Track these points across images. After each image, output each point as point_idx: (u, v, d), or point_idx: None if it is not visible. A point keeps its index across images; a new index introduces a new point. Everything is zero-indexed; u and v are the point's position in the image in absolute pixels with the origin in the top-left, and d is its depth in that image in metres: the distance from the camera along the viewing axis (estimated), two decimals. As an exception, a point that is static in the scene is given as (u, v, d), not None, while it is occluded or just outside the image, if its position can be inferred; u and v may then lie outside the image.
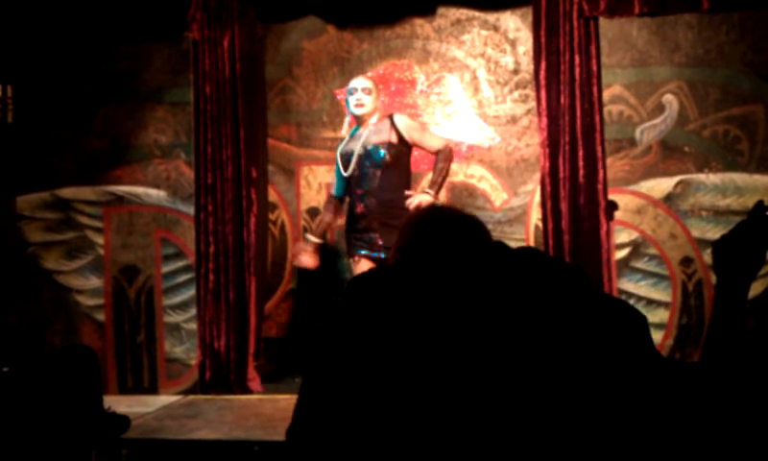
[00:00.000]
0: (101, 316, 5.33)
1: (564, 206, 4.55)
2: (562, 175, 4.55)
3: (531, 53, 4.75)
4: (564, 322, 1.25)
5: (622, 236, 4.81)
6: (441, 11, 5.11)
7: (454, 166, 5.02)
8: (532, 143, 4.90)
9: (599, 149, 4.54)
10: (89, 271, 5.36)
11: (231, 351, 4.93)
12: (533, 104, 4.79)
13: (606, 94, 4.70)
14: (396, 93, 5.10)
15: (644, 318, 1.32)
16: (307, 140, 5.21)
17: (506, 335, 1.24)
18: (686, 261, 4.77)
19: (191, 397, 4.94)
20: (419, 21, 5.13)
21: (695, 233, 4.75)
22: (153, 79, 5.30)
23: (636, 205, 4.82)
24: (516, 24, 5.01)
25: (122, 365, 5.28)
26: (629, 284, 4.81)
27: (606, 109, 4.69)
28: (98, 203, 5.35)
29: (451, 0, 5.10)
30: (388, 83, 5.10)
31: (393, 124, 4.15)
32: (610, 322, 1.27)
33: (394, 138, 4.11)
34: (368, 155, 4.11)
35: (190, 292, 5.16)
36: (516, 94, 5.02)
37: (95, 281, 5.35)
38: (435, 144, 4.18)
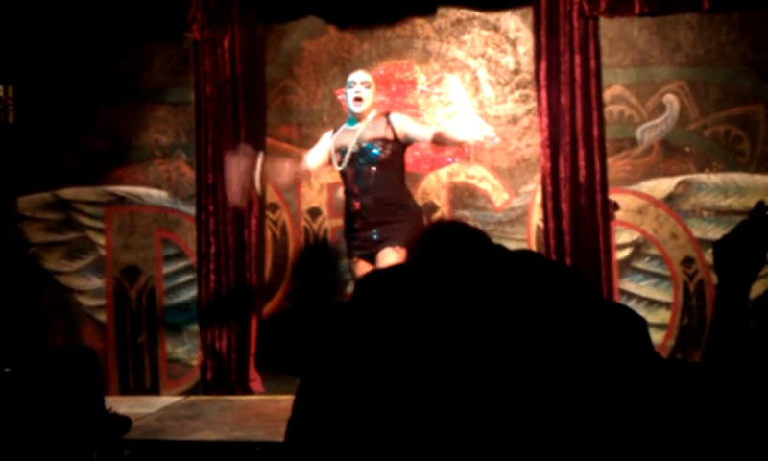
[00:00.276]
0: (102, 317, 5.34)
1: (564, 207, 4.55)
2: (562, 175, 4.55)
3: (531, 53, 4.75)
4: (565, 326, 1.25)
5: (623, 237, 4.81)
6: (441, 11, 5.11)
7: (455, 166, 5.03)
8: (533, 143, 4.90)
9: (600, 149, 4.54)
10: (90, 271, 5.36)
11: (233, 352, 4.93)
12: (533, 104, 4.79)
13: (606, 94, 4.70)
14: (397, 93, 5.10)
15: (644, 321, 1.32)
16: (308, 140, 5.20)
17: (508, 341, 1.24)
18: (688, 262, 4.76)
19: (192, 397, 4.95)
20: (419, 21, 5.13)
21: (696, 234, 4.74)
22: (153, 79, 5.30)
23: (637, 205, 4.82)
24: (516, 24, 5.01)
25: (123, 366, 5.28)
26: (630, 285, 4.81)
27: (606, 110, 4.70)
28: (99, 203, 5.35)
29: (452, 0, 5.10)
30: (388, 83, 5.10)
31: (389, 122, 4.14)
32: (609, 325, 1.27)
33: (389, 136, 4.10)
34: (362, 152, 4.10)
35: (191, 293, 5.16)
36: (516, 94, 5.02)
37: (96, 282, 5.35)
38: (427, 133, 4.13)
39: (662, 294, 4.78)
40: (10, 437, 2.96)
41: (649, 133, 4.81)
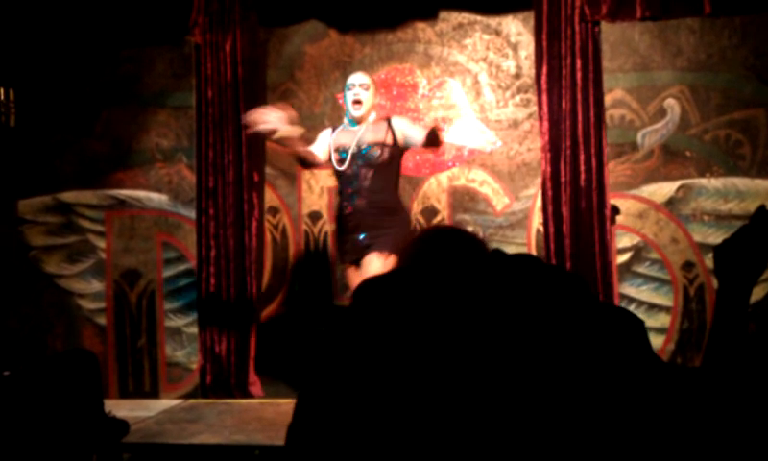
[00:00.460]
0: (102, 320, 5.34)
1: (565, 211, 4.55)
2: (563, 179, 4.55)
3: (533, 57, 4.75)
4: (563, 329, 1.25)
5: (624, 241, 4.81)
6: (443, 15, 5.11)
7: (455, 170, 5.03)
8: (533, 147, 4.90)
9: (600, 153, 4.54)
10: (91, 275, 5.36)
11: (232, 355, 4.93)
12: (534, 108, 4.79)
13: (607, 98, 4.70)
14: (398, 97, 5.10)
15: (642, 323, 1.32)
16: (309, 144, 5.20)
17: (507, 346, 1.24)
18: (688, 266, 4.76)
19: (192, 401, 4.94)
20: (420, 25, 5.13)
21: (697, 238, 4.74)
22: (155, 83, 5.30)
23: (637, 209, 4.81)
24: (517, 28, 5.02)
25: (123, 369, 5.28)
26: (630, 289, 4.80)
27: (607, 114, 4.70)
28: (99, 206, 5.36)
29: (453, 4, 5.10)
30: (390, 87, 5.11)
31: (390, 126, 4.14)
32: (608, 328, 1.27)
33: (389, 140, 4.10)
34: (361, 154, 4.10)
35: (191, 296, 5.16)
36: (517, 98, 5.02)
37: (96, 285, 5.35)
38: (420, 135, 4.11)
39: (663, 298, 4.78)
40: (9, 440, 2.96)
41: (650, 137, 4.81)
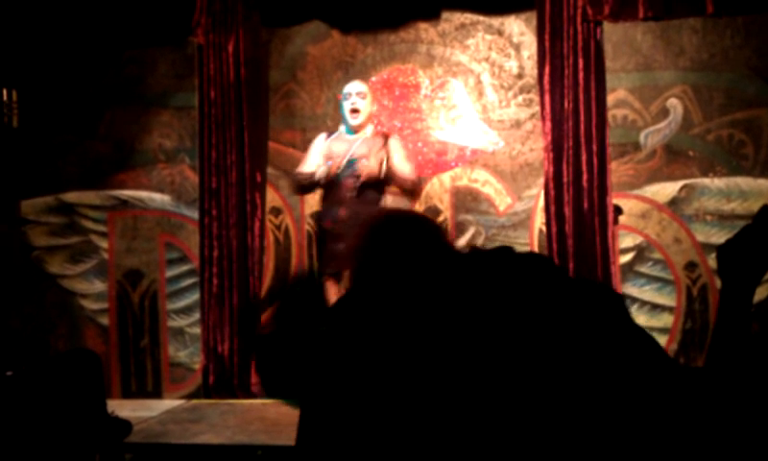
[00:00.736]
0: (105, 320, 5.34)
1: (567, 211, 4.54)
2: (566, 179, 4.55)
3: (535, 57, 4.74)
4: (539, 316, 1.24)
5: (626, 241, 4.80)
6: (445, 15, 5.11)
7: (458, 170, 5.03)
8: (536, 147, 4.90)
9: (603, 153, 4.54)
10: (93, 275, 5.37)
11: (235, 356, 4.93)
12: (537, 108, 4.79)
13: (610, 98, 4.69)
14: (401, 98, 5.10)
15: (620, 297, 1.32)
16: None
17: (489, 340, 1.23)
18: (691, 266, 4.76)
19: (194, 401, 4.94)
20: (423, 26, 5.13)
21: (700, 238, 4.73)
22: (158, 83, 5.31)
23: (640, 209, 4.81)
24: (520, 28, 5.01)
25: (126, 369, 5.28)
26: (633, 289, 4.80)
27: (610, 114, 4.69)
28: (102, 207, 5.37)
29: (456, 4, 5.09)
30: (392, 87, 5.10)
31: (386, 144, 4.14)
32: (582, 305, 1.26)
33: (382, 156, 4.11)
34: (350, 164, 4.09)
35: (194, 296, 5.17)
36: (520, 98, 5.02)
37: (99, 286, 5.36)
38: (405, 172, 4.17)
39: (665, 298, 4.77)
40: (13, 440, 2.96)
41: (652, 137, 4.80)
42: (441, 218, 5.04)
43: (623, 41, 4.82)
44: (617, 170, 4.76)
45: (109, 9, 5.10)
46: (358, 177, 4.08)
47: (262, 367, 5.01)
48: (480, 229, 5.01)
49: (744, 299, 1.34)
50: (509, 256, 1.35)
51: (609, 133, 4.59)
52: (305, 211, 5.20)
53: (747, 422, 1.26)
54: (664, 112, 4.80)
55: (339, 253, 4.03)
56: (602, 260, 4.49)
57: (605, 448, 1.18)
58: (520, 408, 1.19)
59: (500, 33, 5.05)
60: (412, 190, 4.25)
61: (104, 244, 5.37)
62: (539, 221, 4.92)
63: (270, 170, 5.16)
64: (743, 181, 4.70)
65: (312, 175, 4.24)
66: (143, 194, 5.32)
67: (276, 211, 5.23)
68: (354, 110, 4.15)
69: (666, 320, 4.76)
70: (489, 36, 5.06)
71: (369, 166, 4.08)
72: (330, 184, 4.11)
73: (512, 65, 5.03)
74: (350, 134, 4.20)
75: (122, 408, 4.01)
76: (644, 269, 4.81)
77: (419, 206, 5.04)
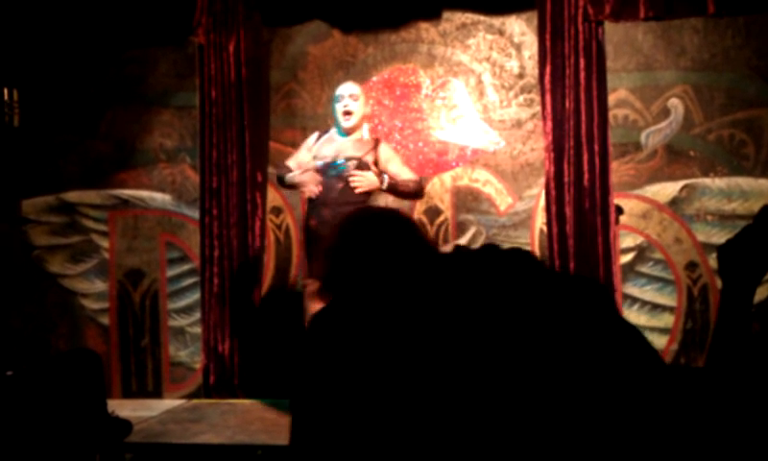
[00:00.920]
0: (105, 320, 5.34)
1: (568, 211, 4.54)
2: (566, 179, 4.55)
3: (536, 57, 4.74)
4: (523, 312, 1.24)
5: (627, 241, 4.80)
6: (446, 15, 5.11)
7: (459, 170, 5.03)
8: (537, 147, 4.90)
9: (604, 153, 4.53)
10: (94, 274, 5.37)
11: (235, 355, 4.93)
12: (538, 108, 4.79)
13: (611, 98, 4.69)
14: (402, 97, 5.10)
15: (606, 290, 1.31)
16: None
17: (473, 336, 1.23)
18: (692, 266, 4.75)
19: (195, 401, 4.95)
20: (424, 25, 5.12)
21: (700, 238, 4.73)
22: (158, 83, 5.31)
23: (641, 209, 4.81)
24: (521, 28, 5.01)
25: (126, 369, 5.28)
26: (634, 289, 4.80)
27: (611, 113, 4.69)
28: (103, 206, 5.37)
29: (457, 4, 5.09)
30: (393, 87, 5.10)
31: (376, 148, 4.13)
32: (568, 303, 1.26)
33: (369, 159, 4.10)
34: (334, 165, 4.07)
35: (195, 296, 5.17)
36: (521, 98, 5.02)
37: (100, 285, 5.36)
38: (412, 175, 4.20)
39: (666, 298, 4.77)
40: (13, 439, 2.96)
41: (653, 137, 4.80)
42: (441, 218, 5.04)
43: (624, 41, 4.82)
44: (618, 170, 4.75)
45: (110, 8, 5.10)
46: (346, 180, 4.04)
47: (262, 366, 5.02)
48: (481, 228, 5.01)
49: (745, 299, 1.34)
50: (491, 253, 1.34)
51: (610, 133, 4.59)
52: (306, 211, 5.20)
53: (748, 421, 1.26)
54: (665, 112, 4.79)
55: (318, 253, 4.02)
56: (603, 260, 4.49)
57: (588, 442, 1.18)
58: (505, 403, 1.19)
59: (501, 32, 5.05)
60: (416, 192, 4.23)
61: (104, 243, 5.37)
62: (539, 221, 4.92)
63: (271, 170, 5.16)
64: (744, 182, 4.70)
65: (290, 171, 4.26)
66: (144, 193, 5.33)
67: (277, 211, 5.23)
68: (347, 112, 4.13)
69: (667, 320, 4.76)
70: (490, 36, 5.06)
71: (369, 179, 4.05)
72: (321, 184, 4.09)
73: (513, 65, 5.03)
74: (342, 136, 4.19)
75: (122, 408, 4.01)
76: (645, 269, 4.81)
77: (420, 206, 5.05)
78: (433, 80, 5.09)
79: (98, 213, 5.38)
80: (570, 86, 4.54)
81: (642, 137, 4.81)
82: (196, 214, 5.12)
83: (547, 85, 4.59)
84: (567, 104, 4.55)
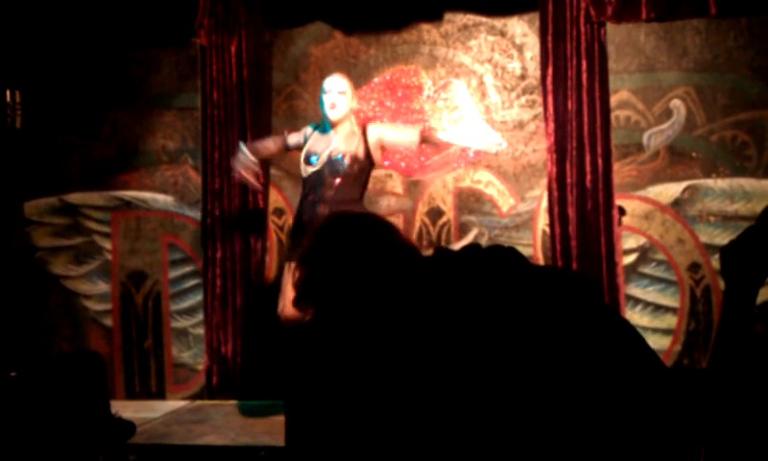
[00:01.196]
0: (108, 321, 5.35)
1: (571, 212, 4.54)
2: (569, 180, 4.55)
3: (538, 58, 4.74)
4: (508, 309, 1.24)
5: (630, 242, 4.80)
6: (448, 16, 5.11)
7: (461, 171, 5.03)
8: (539, 148, 4.90)
9: (606, 154, 4.54)
10: (97, 276, 5.38)
11: (238, 357, 4.93)
12: (540, 109, 4.79)
13: (613, 99, 4.69)
14: (403, 99, 5.09)
15: (596, 284, 1.31)
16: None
17: (459, 333, 1.23)
18: (694, 267, 4.75)
19: (198, 402, 4.95)
20: (426, 27, 5.13)
21: (703, 239, 4.73)
22: (160, 84, 5.31)
23: (643, 210, 4.80)
24: (523, 29, 5.01)
25: (129, 370, 5.29)
26: (636, 290, 4.79)
27: (613, 115, 4.69)
28: (106, 208, 5.37)
29: (458, 5, 5.09)
30: (395, 88, 5.10)
31: (364, 136, 4.12)
32: (555, 298, 1.26)
33: (360, 151, 4.08)
34: (330, 162, 4.07)
35: (197, 297, 5.17)
36: (523, 99, 5.02)
37: (103, 286, 5.37)
38: (412, 135, 4.15)
39: (669, 299, 4.77)
40: (16, 440, 2.97)
41: (656, 138, 4.80)
42: (444, 219, 5.04)
43: (626, 42, 4.82)
44: (620, 171, 4.75)
45: (112, 10, 5.10)
46: (336, 176, 4.05)
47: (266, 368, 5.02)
48: (483, 230, 5.01)
49: (747, 300, 1.34)
50: (473, 253, 1.34)
51: (612, 134, 4.59)
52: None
53: (750, 421, 1.26)
54: (667, 113, 4.79)
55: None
56: (605, 262, 4.49)
57: (578, 436, 1.18)
58: (488, 400, 1.19)
59: (503, 34, 5.05)
60: (422, 141, 4.22)
61: (107, 245, 5.37)
62: (542, 222, 4.92)
63: (273, 171, 5.16)
64: (746, 183, 4.69)
65: (285, 142, 4.32)
66: (146, 195, 5.33)
67: (279, 212, 5.24)
68: (333, 107, 4.12)
69: (670, 321, 4.76)
70: (491, 38, 5.06)
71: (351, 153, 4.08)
72: (312, 180, 4.09)
73: (514, 66, 5.03)
74: (329, 130, 4.17)
75: (125, 409, 4.02)
76: (647, 270, 4.80)
77: (422, 207, 5.05)
78: (435, 81, 5.08)
79: (100, 215, 5.38)
80: (572, 88, 4.54)
81: (644, 138, 4.81)
82: (198, 215, 5.13)
83: (549, 87, 4.60)
84: (569, 105, 4.55)
